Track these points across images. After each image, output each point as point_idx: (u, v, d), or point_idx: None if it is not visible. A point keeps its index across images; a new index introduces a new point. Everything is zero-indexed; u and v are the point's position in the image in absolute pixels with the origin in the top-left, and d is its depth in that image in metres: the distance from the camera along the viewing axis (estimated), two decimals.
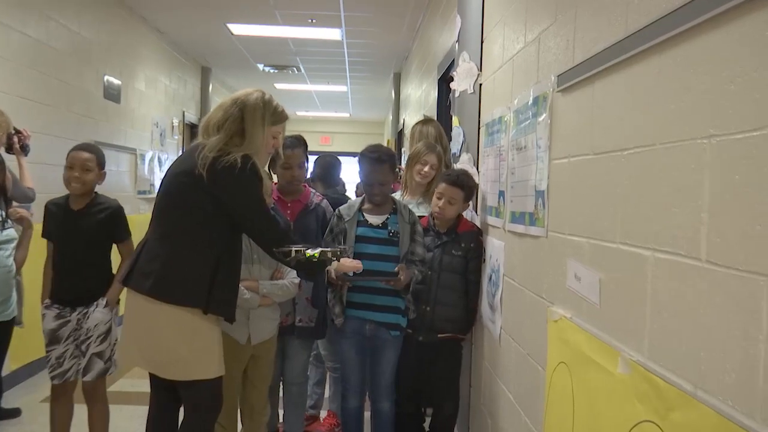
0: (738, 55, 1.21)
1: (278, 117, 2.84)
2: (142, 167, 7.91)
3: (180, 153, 9.72)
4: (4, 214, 3.27)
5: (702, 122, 1.32)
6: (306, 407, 3.91)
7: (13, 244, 3.32)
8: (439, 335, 3.40)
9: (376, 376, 3.40)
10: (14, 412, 4.32)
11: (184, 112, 9.99)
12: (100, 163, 3.35)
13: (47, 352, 3.27)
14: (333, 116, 17.57)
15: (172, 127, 9.38)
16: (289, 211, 3.54)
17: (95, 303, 3.29)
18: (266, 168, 3.00)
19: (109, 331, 3.28)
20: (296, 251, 2.67)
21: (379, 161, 3.28)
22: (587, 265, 1.91)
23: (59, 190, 4.30)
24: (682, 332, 1.37)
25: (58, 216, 3.32)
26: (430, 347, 3.42)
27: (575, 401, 1.88)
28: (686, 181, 1.37)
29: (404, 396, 3.49)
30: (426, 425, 3.76)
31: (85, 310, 3.27)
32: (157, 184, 8.29)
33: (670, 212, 1.43)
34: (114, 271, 3.40)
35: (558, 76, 2.20)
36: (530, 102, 2.56)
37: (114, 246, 3.39)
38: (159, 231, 2.78)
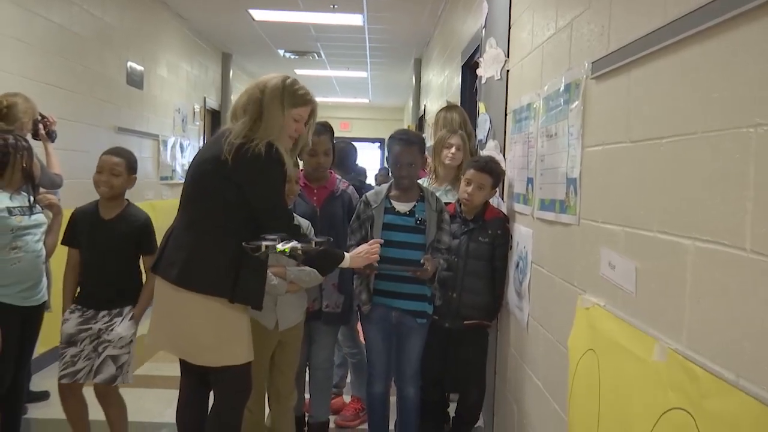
0: None
1: (299, 99, 2.80)
2: (164, 153, 7.95)
3: (201, 139, 9.78)
4: (32, 199, 3.30)
5: (748, 111, 1.31)
6: (331, 390, 3.94)
7: (42, 229, 3.34)
8: (465, 322, 3.41)
9: (402, 362, 3.41)
10: (43, 395, 4.38)
11: (205, 98, 10.02)
12: (130, 168, 3.36)
13: (61, 350, 3.28)
14: (352, 102, 17.55)
15: (194, 113, 9.42)
16: (315, 198, 3.55)
17: (121, 311, 3.29)
18: (294, 155, 2.98)
19: (129, 342, 3.30)
20: (266, 246, 2.66)
21: (409, 143, 3.30)
22: (622, 253, 1.91)
23: (82, 175, 4.36)
24: (724, 322, 1.36)
25: (85, 223, 3.33)
26: (456, 334, 3.43)
27: (601, 388, 1.89)
28: (730, 170, 1.36)
29: (429, 382, 3.51)
30: (450, 410, 3.79)
31: (109, 319, 3.27)
32: (179, 170, 8.40)
33: (713, 202, 1.42)
34: (143, 278, 3.41)
35: (592, 63, 2.18)
36: (562, 89, 2.54)
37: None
38: (185, 219, 2.80)
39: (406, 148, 3.28)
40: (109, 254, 3.26)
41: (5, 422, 3.36)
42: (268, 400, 3.40)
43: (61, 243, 3.43)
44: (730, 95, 1.38)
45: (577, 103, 2.36)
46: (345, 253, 3.03)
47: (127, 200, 3.41)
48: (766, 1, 1.23)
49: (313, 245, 2.74)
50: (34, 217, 3.28)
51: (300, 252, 2.69)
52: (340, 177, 3.74)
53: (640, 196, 1.80)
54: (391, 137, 3.41)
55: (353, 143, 4.81)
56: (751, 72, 1.31)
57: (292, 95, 2.77)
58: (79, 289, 3.35)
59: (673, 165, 1.62)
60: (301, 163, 3.57)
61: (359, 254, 3.05)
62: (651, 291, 1.72)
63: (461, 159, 3.74)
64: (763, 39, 1.28)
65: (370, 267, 3.17)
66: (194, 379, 2.94)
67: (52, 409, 4.25)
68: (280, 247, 2.65)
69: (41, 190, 3.67)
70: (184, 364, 2.93)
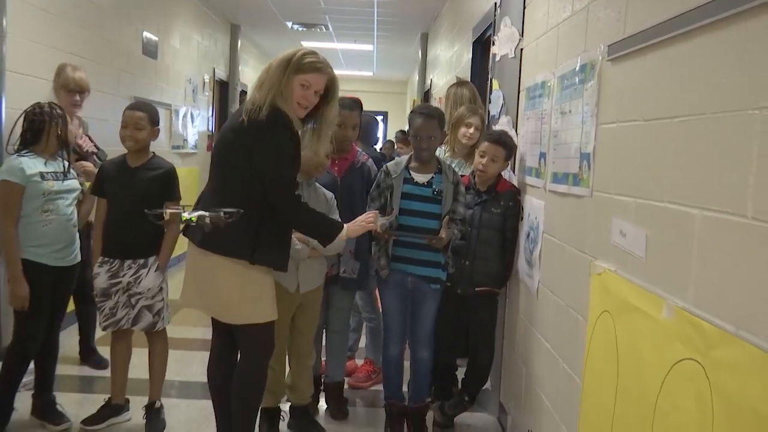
0: None
1: (304, 66, 2.85)
2: (176, 122, 8.09)
3: (211, 109, 9.93)
4: (66, 164, 3.45)
5: (754, 95, 1.48)
6: (346, 353, 4.14)
7: (74, 195, 3.49)
8: (476, 288, 3.60)
9: (417, 326, 3.60)
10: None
11: (214, 69, 10.13)
12: (153, 121, 3.51)
13: (99, 304, 3.48)
14: (356, 75, 17.60)
15: (204, 83, 9.53)
16: (336, 168, 3.72)
17: (146, 262, 3.46)
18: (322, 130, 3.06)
19: (159, 290, 3.49)
20: (171, 213, 2.82)
21: (430, 116, 3.46)
22: (633, 222, 2.09)
23: (102, 143, 4.50)
24: (727, 281, 1.55)
25: (112, 173, 3.50)
26: (468, 300, 3.62)
27: (618, 345, 2.07)
28: (736, 148, 1.53)
29: (441, 346, 3.70)
30: (458, 375, 3.98)
31: (136, 269, 3.44)
32: (190, 139, 8.53)
33: (719, 175, 1.60)
34: (164, 229, 3.57)
35: (609, 45, 2.34)
36: (577, 69, 2.71)
37: None
38: (211, 185, 2.98)
39: (427, 121, 3.44)
40: (135, 199, 3.36)
41: (40, 378, 3.56)
42: (289, 359, 3.60)
43: (90, 192, 3.63)
44: (738, 81, 1.55)
45: (592, 83, 2.52)
46: (343, 224, 3.09)
47: (153, 152, 3.58)
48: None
49: (222, 215, 2.75)
50: (66, 182, 3.44)
51: (208, 221, 2.75)
52: (360, 149, 3.90)
53: (652, 169, 1.98)
54: (412, 111, 3.57)
55: (376, 117, 4.94)
56: (758, 61, 1.47)
57: (299, 61, 2.85)
58: (105, 241, 3.50)
59: (684, 142, 1.79)
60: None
61: (356, 224, 3.14)
62: (660, 256, 1.90)
63: (476, 139, 3.90)
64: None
65: (388, 232, 3.34)
66: (224, 338, 3.11)
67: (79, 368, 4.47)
68: (186, 215, 2.79)
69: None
70: (215, 323, 3.11)
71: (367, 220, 3.15)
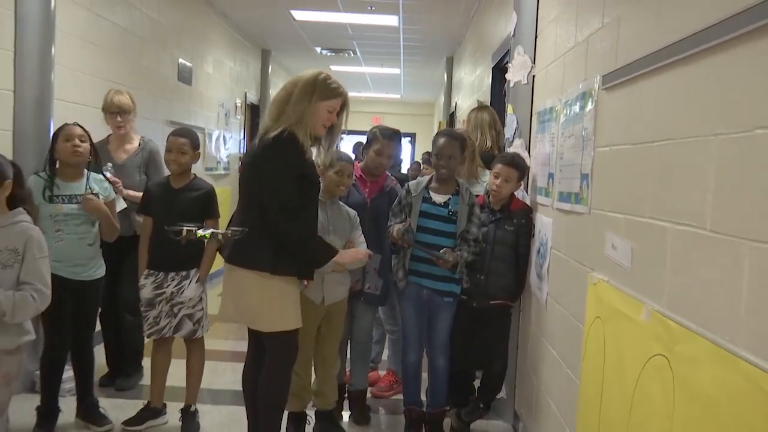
0: (737, 74, 1.60)
1: (329, 92, 3.11)
2: (209, 145, 8.44)
3: (242, 132, 10.28)
4: (89, 188, 3.67)
5: (711, 123, 1.71)
6: (369, 362, 4.38)
7: (86, 216, 3.70)
8: (491, 302, 3.81)
9: (433, 335, 3.83)
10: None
11: (246, 93, 10.50)
12: (194, 146, 3.81)
13: (144, 313, 3.77)
14: (384, 97, 17.96)
15: (236, 107, 9.90)
16: (367, 190, 4.00)
17: (188, 274, 3.75)
18: (333, 143, 3.31)
19: (200, 300, 3.78)
20: (188, 230, 3.10)
21: (452, 138, 3.76)
22: (622, 236, 2.31)
23: None
24: (691, 286, 1.77)
25: (158, 193, 3.80)
26: (483, 312, 3.83)
27: (606, 346, 2.29)
28: (697, 169, 1.76)
29: (457, 356, 3.91)
30: (476, 384, 4.19)
31: (179, 280, 3.73)
32: (223, 161, 8.87)
33: (685, 192, 1.82)
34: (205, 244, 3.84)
35: (603, 76, 2.58)
36: (578, 96, 2.94)
37: None
38: (239, 206, 3.28)
39: (448, 142, 3.72)
40: (178, 217, 3.58)
41: (79, 385, 3.84)
42: (315, 367, 3.84)
43: (136, 212, 3.94)
44: (698, 111, 1.78)
45: (590, 109, 2.76)
46: (338, 250, 3.34)
47: (194, 174, 3.89)
48: (725, 40, 1.62)
49: (230, 234, 3.06)
50: (79, 205, 3.67)
51: (220, 237, 3.09)
52: (390, 175, 4.17)
53: (637, 188, 2.21)
54: (437, 133, 3.91)
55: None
56: (714, 94, 1.70)
57: (325, 88, 3.10)
58: (151, 255, 3.80)
59: (659, 163, 2.02)
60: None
61: (348, 253, 3.43)
62: (642, 265, 2.12)
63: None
64: (721, 71, 1.67)
65: (403, 239, 3.60)
66: (257, 345, 3.37)
67: None
68: (200, 232, 3.10)
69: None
70: (250, 331, 3.37)
71: (360, 252, 3.48)
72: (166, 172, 3.93)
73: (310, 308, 3.50)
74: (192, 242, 3.34)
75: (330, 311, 3.70)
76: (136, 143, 4.57)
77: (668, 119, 1.98)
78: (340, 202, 3.71)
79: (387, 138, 3.95)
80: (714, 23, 1.68)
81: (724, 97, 1.66)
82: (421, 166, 9.50)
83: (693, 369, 1.63)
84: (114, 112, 4.46)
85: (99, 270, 3.81)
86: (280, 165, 3.01)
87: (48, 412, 3.69)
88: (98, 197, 3.70)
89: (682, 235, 1.83)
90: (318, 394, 3.85)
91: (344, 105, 3.24)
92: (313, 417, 3.88)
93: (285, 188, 3.02)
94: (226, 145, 9.23)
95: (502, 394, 4.16)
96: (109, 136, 4.54)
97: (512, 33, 4.36)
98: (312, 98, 3.07)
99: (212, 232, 3.09)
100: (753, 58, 1.54)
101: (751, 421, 1.37)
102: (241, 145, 10.29)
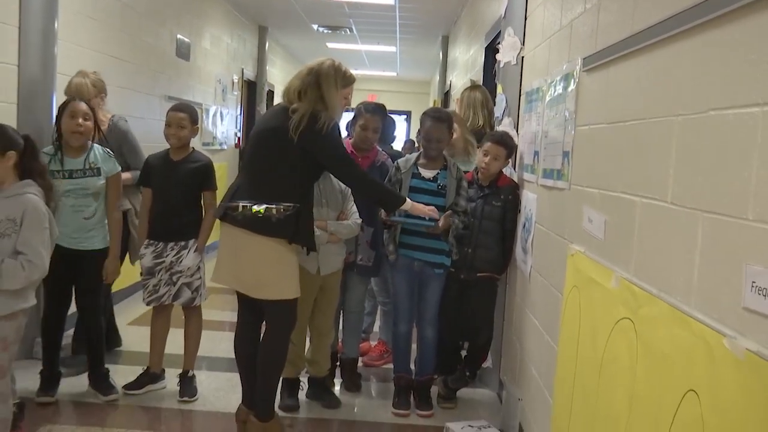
0: (694, 60, 1.74)
1: (348, 80, 3.50)
2: (206, 121, 8.55)
3: (239, 108, 10.36)
4: (89, 161, 3.75)
5: (674, 104, 1.85)
6: (361, 332, 4.55)
7: (87, 192, 3.76)
8: (478, 274, 3.97)
9: (423, 306, 4.00)
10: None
11: (243, 70, 10.59)
12: (193, 120, 3.95)
13: (144, 281, 3.93)
14: (380, 75, 18.02)
15: (233, 83, 9.99)
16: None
17: (186, 243, 3.89)
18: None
19: (198, 269, 3.93)
20: (243, 206, 3.25)
21: (439, 120, 3.89)
22: (597, 210, 2.46)
23: (139, 139, 4.76)
24: (655, 254, 1.92)
25: (157, 166, 3.93)
26: (470, 284, 3.99)
27: (581, 313, 2.45)
28: (662, 147, 1.91)
29: (445, 326, 4.08)
30: (463, 353, 4.36)
31: (178, 250, 3.88)
32: (219, 136, 8.96)
33: (651, 168, 1.97)
34: (202, 213, 3.99)
35: (584, 58, 2.72)
36: (562, 77, 3.08)
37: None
38: (251, 178, 3.42)
39: (436, 124, 3.86)
40: (177, 189, 3.84)
41: (88, 356, 3.96)
42: (310, 336, 4.01)
43: (136, 184, 4.07)
44: (664, 92, 1.92)
45: (572, 89, 2.89)
46: (408, 199, 3.66)
47: (192, 147, 4.03)
48: (693, 26, 1.76)
49: (282, 209, 3.24)
50: (81, 180, 3.72)
51: (274, 212, 3.24)
52: (381, 150, 4.29)
53: (611, 164, 2.35)
54: (424, 113, 4.00)
55: (393, 117, 5.33)
56: (679, 77, 1.85)
57: (343, 77, 3.46)
58: (150, 226, 3.94)
59: (631, 141, 2.17)
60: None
61: (419, 205, 3.67)
62: (614, 237, 2.28)
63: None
64: (682, 55, 1.82)
65: (391, 219, 3.77)
66: (249, 313, 3.52)
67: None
68: (255, 208, 3.24)
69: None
70: (241, 302, 3.51)
71: (429, 209, 3.70)
72: (149, 150, 4.07)
73: (307, 278, 3.64)
74: (192, 213, 3.47)
75: (325, 282, 3.85)
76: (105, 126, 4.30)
77: (639, 101, 2.12)
78: (332, 176, 3.84)
79: (370, 112, 4.06)
80: (675, 13, 1.82)
81: (684, 80, 1.80)
82: (415, 145, 9.63)
83: (653, 329, 1.78)
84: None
85: (96, 241, 3.80)
86: (339, 145, 3.44)
87: (51, 376, 3.84)
88: (99, 172, 3.77)
89: (648, 208, 1.98)
90: (312, 362, 4.02)
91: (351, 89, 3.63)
92: (307, 383, 4.06)
93: (343, 148, 3.50)
94: (222, 121, 9.34)
95: (488, 364, 4.34)
96: None
97: (503, 14, 4.48)
98: (338, 87, 3.40)
99: (266, 208, 3.23)
100: (705, 47, 1.69)
101: (697, 372, 1.53)
102: (238, 121, 10.38)
